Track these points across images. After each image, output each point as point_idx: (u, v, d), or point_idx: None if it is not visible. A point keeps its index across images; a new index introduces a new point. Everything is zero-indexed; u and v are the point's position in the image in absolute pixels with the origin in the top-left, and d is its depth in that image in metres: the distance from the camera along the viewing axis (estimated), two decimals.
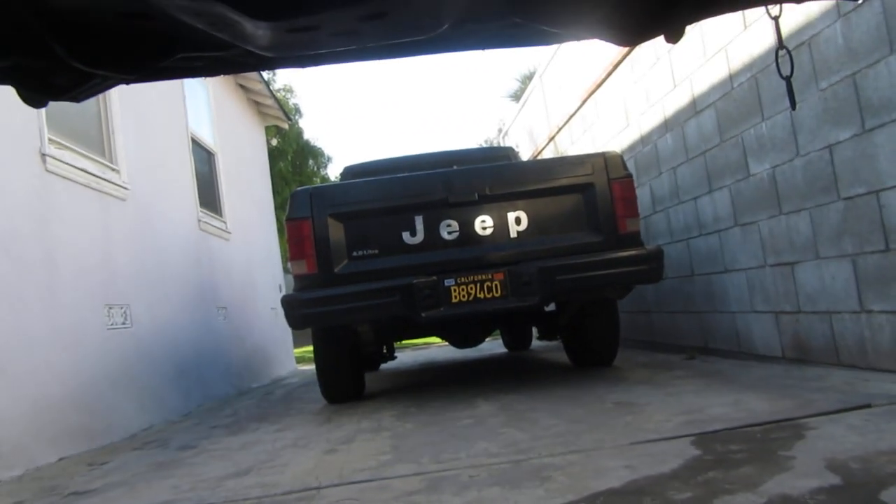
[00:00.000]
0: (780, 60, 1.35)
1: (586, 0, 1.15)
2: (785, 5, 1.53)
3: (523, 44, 1.32)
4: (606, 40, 1.29)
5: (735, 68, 4.49)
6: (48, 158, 4.38)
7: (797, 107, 3.85)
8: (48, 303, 4.21)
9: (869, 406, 2.75)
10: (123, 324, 5.14)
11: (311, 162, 21.08)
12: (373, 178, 5.00)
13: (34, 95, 1.23)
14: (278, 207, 13.89)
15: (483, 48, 1.32)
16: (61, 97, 1.26)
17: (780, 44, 1.31)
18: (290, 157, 19.87)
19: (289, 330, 9.46)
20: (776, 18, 1.32)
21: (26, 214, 4.13)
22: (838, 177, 3.63)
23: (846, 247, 3.63)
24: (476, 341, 6.17)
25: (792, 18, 3.83)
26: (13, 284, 3.90)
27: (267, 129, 12.51)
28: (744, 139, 4.47)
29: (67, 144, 4.70)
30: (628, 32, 1.23)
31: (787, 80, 1.31)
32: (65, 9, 1.01)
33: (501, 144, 13.59)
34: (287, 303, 4.33)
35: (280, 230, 12.06)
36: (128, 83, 1.31)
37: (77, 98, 1.26)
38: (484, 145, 25.10)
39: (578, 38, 1.34)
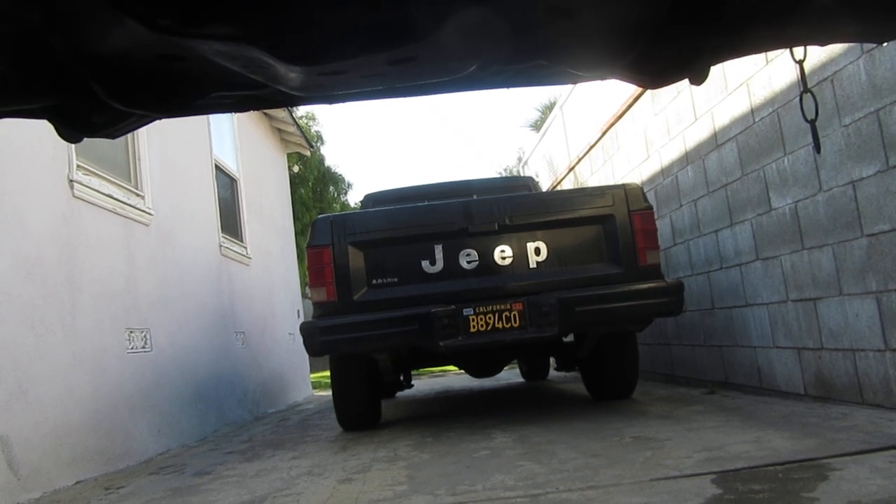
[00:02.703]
0: (804, 104, 1.35)
1: (613, 47, 1.17)
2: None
3: (547, 83, 1.34)
4: (631, 83, 1.31)
5: (757, 103, 4.50)
6: (76, 184, 4.46)
7: (821, 141, 3.83)
8: (70, 327, 4.26)
9: (894, 447, 2.70)
10: (143, 348, 5.18)
11: (331, 188, 21.25)
12: (393, 207, 5.03)
13: (71, 132, 1.27)
14: (299, 233, 13.99)
15: (507, 87, 1.34)
16: (98, 134, 1.29)
17: (805, 87, 1.31)
18: (312, 183, 20.04)
19: (306, 355, 9.47)
20: (800, 62, 1.33)
21: (52, 239, 4.20)
22: (862, 213, 3.60)
23: (870, 284, 3.59)
24: (493, 371, 6.14)
25: (815, 55, 3.83)
26: (37, 308, 3.95)
27: (289, 155, 12.65)
28: (766, 173, 4.46)
29: (95, 170, 4.79)
30: (653, 76, 1.25)
31: (812, 123, 1.31)
32: (106, 53, 1.05)
33: (521, 174, 13.64)
34: (306, 330, 4.35)
35: (300, 256, 12.14)
36: (161, 118, 1.34)
37: (113, 135, 1.30)
38: (503, 174, 25.21)
39: (603, 79, 1.36)
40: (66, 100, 1.17)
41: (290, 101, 1.31)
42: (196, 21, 0.97)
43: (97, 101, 1.14)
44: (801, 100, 1.33)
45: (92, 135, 1.29)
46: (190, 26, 0.98)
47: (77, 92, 1.14)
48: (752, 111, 4.56)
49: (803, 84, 1.38)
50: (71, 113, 1.21)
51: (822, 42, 1.33)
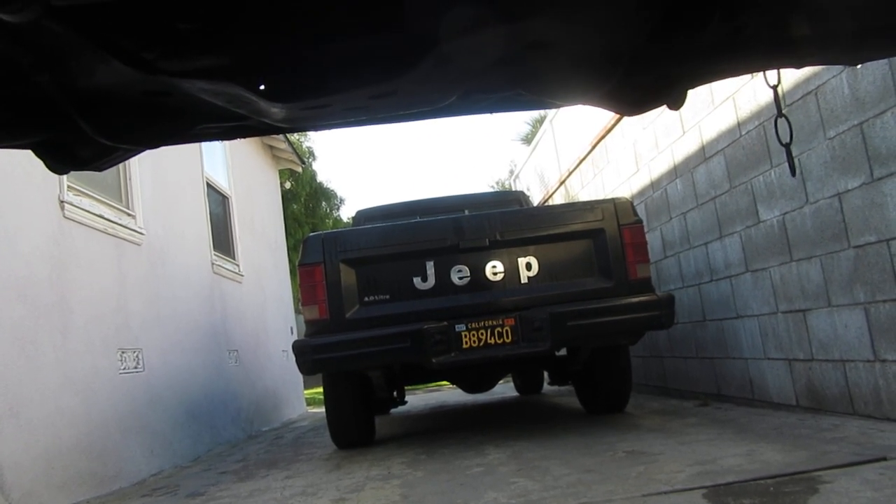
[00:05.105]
0: (780, 127, 1.38)
1: (591, 77, 1.19)
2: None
3: (528, 109, 1.37)
4: (610, 110, 1.33)
5: (743, 116, 4.54)
6: (66, 205, 4.46)
7: (806, 154, 3.89)
8: (62, 348, 4.24)
9: (884, 459, 2.72)
10: (136, 368, 5.16)
11: (323, 204, 21.27)
12: (384, 224, 5.05)
13: (58, 165, 1.28)
14: (291, 249, 13.99)
15: (488, 113, 1.37)
16: (85, 167, 1.31)
17: (780, 111, 1.33)
18: (304, 199, 20.07)
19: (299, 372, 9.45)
20: (775, 87, 1.35)
21: (43, 260, 4.19)
22: (848, 225, 3.64)
23: (858, 295, 3.62)
24: (487, 386, 6.14)
25: (799, 69, 3.88)
26: (28, 329, 3.94)
27: (281, 171, 12.67)
28: (753, 186, 4.49)
29: (85, 191, 4.79)
30: (632, 104, 1.27)
31: (787, 147, 1.33)
32: (93, 91, 1.07)
33: (513, 187, 13.69)
34: (298, 349, 4.34)
35: (293, 272, 12.11)
36: (147, 149, 1.36)
37: (100, 168, 1.31)
38: (495, 187, 25.29)
39: (584, 105, 1.38)
40: (52, 135, 1.19)
41: (276, 131, 1.33)
42: (179, 60, 0.99)
43: (84, 136, 1.15)
44: (776, 124, 1.35)
45: (79, 168, 1.30)
46: (173, 66, 0.99)
47: (64, 128, 1.15)
48: (739, 124, 4.60)
49: (778, 108, 1.41)
50: (58, 147, 1.22)
51: (797, 65, 1.35)
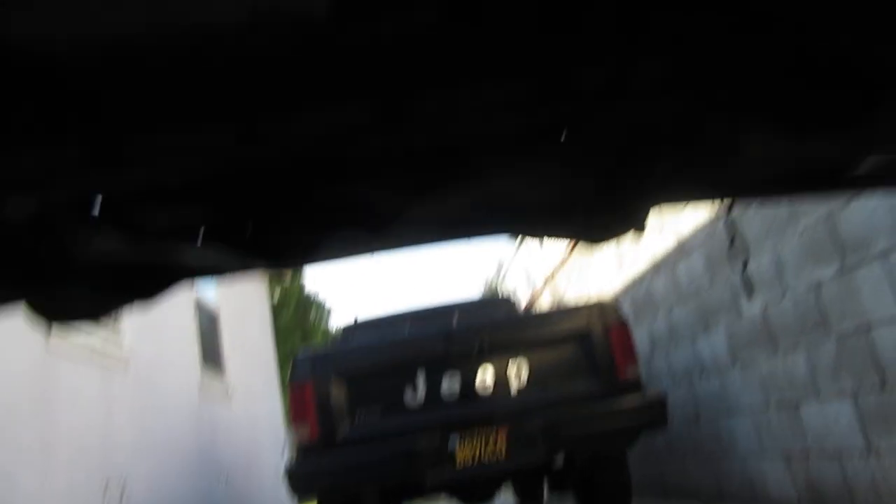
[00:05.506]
0: (735, 252, 1.43)
1: (551, 222, 1.27)
2: None
3: (501, 237, 1.44)
4: (579, 242, 1.41)
5: (718, 211, 4.66)
6: (50, 337, 4.44)
7: (780, 246, 3.98)
8: (44, 488, 4.12)
9: None
10: (120, 501, 5.00)
11: (312, 313, 21.48)
12: (372, 339, 5.05)
13: (49, 322, 1.32)
14: (282, 359, 13.85)
15: (464, 241, 1.43)
16: (74, 323, 1.35)
17: (732, 241, 1.40)
18: (293, 308, 20.22)
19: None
20: (733, 226, 1.41)
21: (26, 394, 4.13)
22: (828, 314, 3.68)
23: (845, 385, 3.62)
24: (486, 497, 5.96)
25: None
26: (5, 471, 3.83)
27: (269, 281, 12.72)
28: (734, 280, 4.56)
29: None
30: (597, 236, 1.35)
31: (743, 272, 1.39)
32: (86, 255, 1.13)
33: (501, 287, 13.81)
34: (288, 472, 4.25)
35: (283, 382, 11.94)
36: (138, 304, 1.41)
37: (93, 320, 1.36)
38: (484, 286, 25.43)
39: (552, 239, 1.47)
40: (51, 297, 1.23)
41: (258, 269, 1.41)
42: (166, 220, 1.06)
43: (75, 295, 1.20)
44: (730, 244, 1.41)
45: (69, 321, 1.34)
46: (161, 227, 1.06)
47: (54, 287, 1.20)
48: (715, 219, 4.72)
49: (731, 242, 1.47)
50: (47, 306, 1.26)
51: (754, 196, 1.43)
